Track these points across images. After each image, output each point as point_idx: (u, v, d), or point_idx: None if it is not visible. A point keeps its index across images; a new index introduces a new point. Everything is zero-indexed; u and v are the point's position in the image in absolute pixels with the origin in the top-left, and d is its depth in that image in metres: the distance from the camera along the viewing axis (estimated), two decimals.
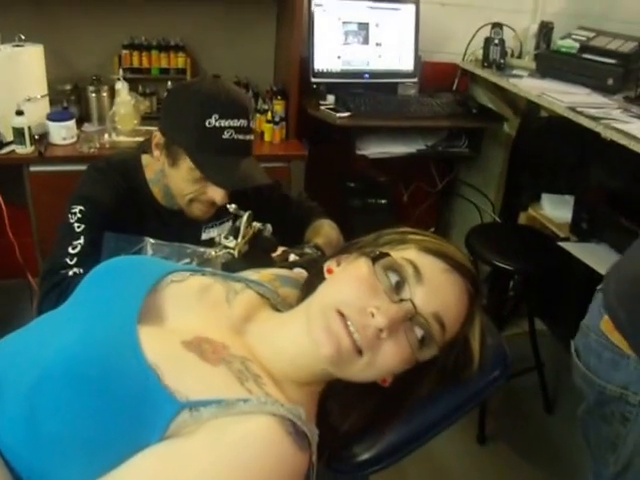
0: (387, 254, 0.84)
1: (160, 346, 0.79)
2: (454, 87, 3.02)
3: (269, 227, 1.33)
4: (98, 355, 0.76)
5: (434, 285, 0.82)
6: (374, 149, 2.58)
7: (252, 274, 1.06)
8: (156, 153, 1.43)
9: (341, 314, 0.80)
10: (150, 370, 0.74)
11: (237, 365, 0.80)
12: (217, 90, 1.38)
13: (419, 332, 0.81)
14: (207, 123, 1.34)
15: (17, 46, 2.27)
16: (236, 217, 1.33)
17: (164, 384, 0.73)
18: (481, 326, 0.89)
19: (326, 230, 1.54)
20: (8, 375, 0.78)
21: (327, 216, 1.65)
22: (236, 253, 1.25)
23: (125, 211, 1.44)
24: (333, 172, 2.72)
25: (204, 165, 1.37)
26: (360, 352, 0.80)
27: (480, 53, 2.87)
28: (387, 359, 0.81)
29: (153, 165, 1.48)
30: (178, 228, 1.46)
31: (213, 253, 1.25)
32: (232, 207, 1.33)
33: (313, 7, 2.58)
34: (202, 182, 1.39)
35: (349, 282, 0.84)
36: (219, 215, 1.52)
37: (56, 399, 0.72)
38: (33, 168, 2.24)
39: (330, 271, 0.91)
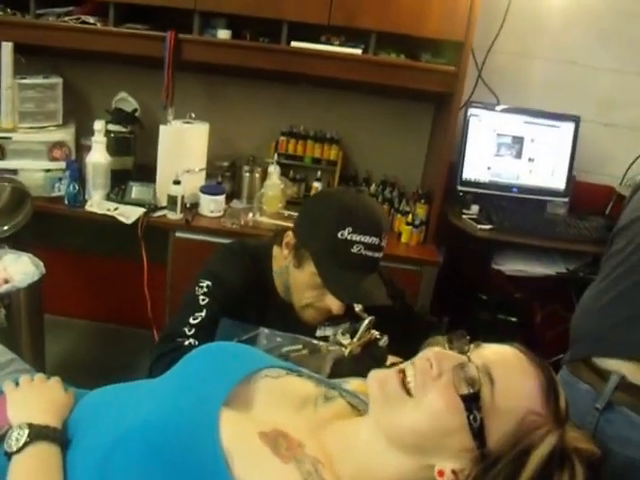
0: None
1: (238, 433, 0.81)
2: (607, 211, 2.86)
3: (386, 339, 1.33)
4: (177, 427, 0.79)
5: (492, 349, 0.86)
6: (511, 266, 2.48)
7: (353, 382, 1.07)
8: (285, 252, 1.46)
9: (401, 371, 0.85)
10: (222, 455, 0.76)
11: (307, 466, 0.80)
12: (356, 203, 1.38)
13: (466, 375, 0.81)
14: (339, 234, 1.35)
15: (186, 123, 2.48)
16: (358, 318, 1.33)
17: (232, 473, 0.75)
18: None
19: None
20: (97, 424, 0.85)
21: (444, 334, 1.61)
22: (347, 352, 1.25)
23: (249, 295, 1.48)
24: (465, 282, 2.64)
25: (327, 275, 1.37)
26: (409, 393, 0.82)
27: None
28: (433, 398, 0.81)
29: (280, 259, 1.50)
30: (295, 320, 1.47)
31: (325, 346, 1.28)
32: (358, 307, 1.35)
33: (469, 116, 2.59)
34: (322, 289, 1.40)
35: None
36: (338, 316, 1.51)
37: (130, 460, 0.76)
38: (179, 234, 2.38)
39: None
